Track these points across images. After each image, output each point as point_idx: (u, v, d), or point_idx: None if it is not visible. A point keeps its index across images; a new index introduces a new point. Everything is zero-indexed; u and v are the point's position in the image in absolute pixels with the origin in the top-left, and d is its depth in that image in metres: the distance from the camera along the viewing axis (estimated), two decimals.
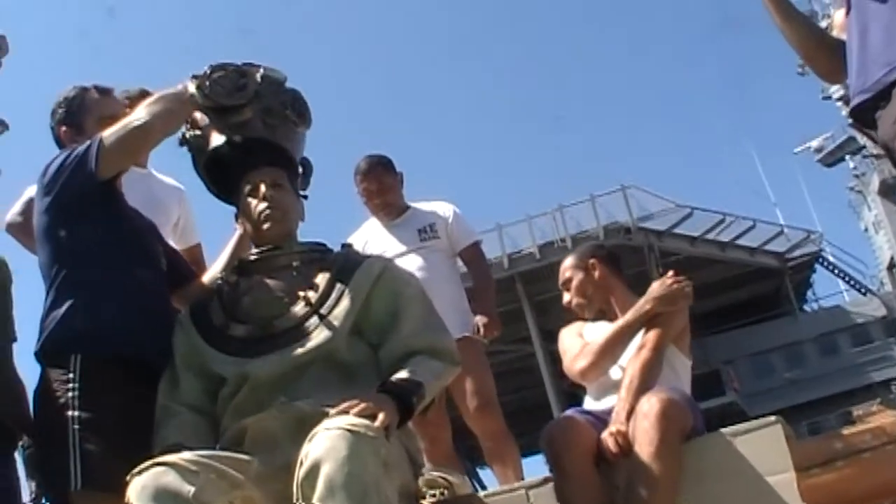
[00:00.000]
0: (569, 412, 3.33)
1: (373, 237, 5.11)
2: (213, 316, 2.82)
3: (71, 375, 2.79)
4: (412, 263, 4.88)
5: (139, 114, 2.90)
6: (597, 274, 3.68)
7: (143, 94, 4.62)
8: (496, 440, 4.87)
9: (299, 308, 2.75)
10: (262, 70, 2.96)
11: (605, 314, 3.64)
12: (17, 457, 3.27)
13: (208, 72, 2.89)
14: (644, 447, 2.91)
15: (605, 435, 3.05)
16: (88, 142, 2.92)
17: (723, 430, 3.03)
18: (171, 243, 4.21)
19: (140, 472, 2.33)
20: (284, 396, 2.58)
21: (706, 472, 2.97)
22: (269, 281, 2.84)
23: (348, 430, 2.22)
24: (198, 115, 3.01)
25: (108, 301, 2.85)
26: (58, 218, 2.92)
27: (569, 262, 3.75)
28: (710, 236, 29.37)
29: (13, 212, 4.18)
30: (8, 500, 3.15)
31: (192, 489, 2.29)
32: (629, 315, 3.43)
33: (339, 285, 2.79)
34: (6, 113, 3.51)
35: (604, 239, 27.78)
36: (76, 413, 2.75)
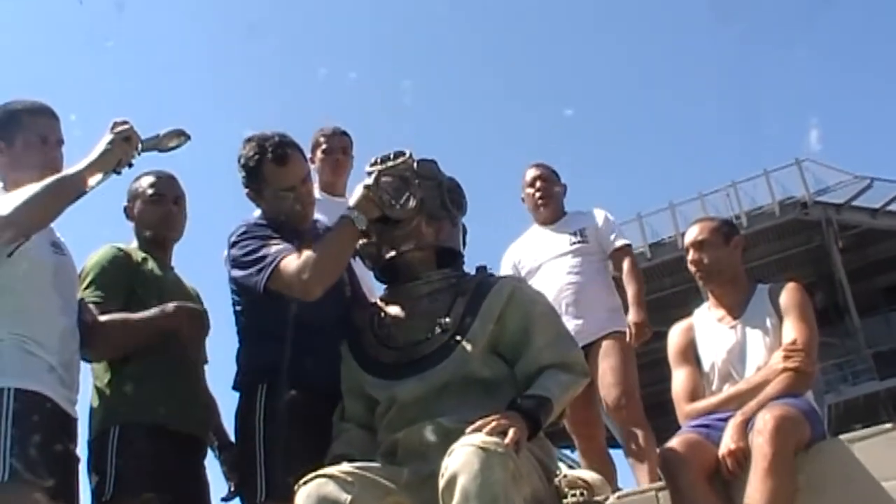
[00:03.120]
0: (685, 429, 3.39)
1: (530, 243, 5.44)
2: (367, 344, 3.17)
3: (258, 403, 3.22)
4: (564, 265, 5.22)
5: (311, 265, 3.04)
6: (737, 254, 3.78)
7: (336, 134, 5.03)
8: (634, 434, 4.95)
9: (438, 333, 3.06)
10: (417, 168, 3.17)
11: (720, 300, 3.72)
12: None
13: (374, 183, 3.12)
14: (758, 463, 2.98)
15: (722, 452, 3.14)
16: (266, 254, 3.12)
17: (840, 436, 3.18)
18: None
19: (305, 483, 2.73)
20: (429, 414, 2.91)
21: (824, 478, 3.06)
22: (411, 308, 3.15)
23: (481, 448, 2.53)
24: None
25: (287, 344, 3.18)
26: (239, 291, 3.32)
27: (710, 225, 3.82)
28: (893, 207, 28.22)
29: None
30: (201, 498, 3.63)
31: (348, 497, 2.67)
32: (743, 385, 3.44)
33: (473, 309, 3.08)
34: None
35: (779, 215, 27.15)
36: (261, 435, 3.18)
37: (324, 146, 5.09)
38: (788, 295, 3.58)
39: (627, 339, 5.02)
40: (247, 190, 3.37)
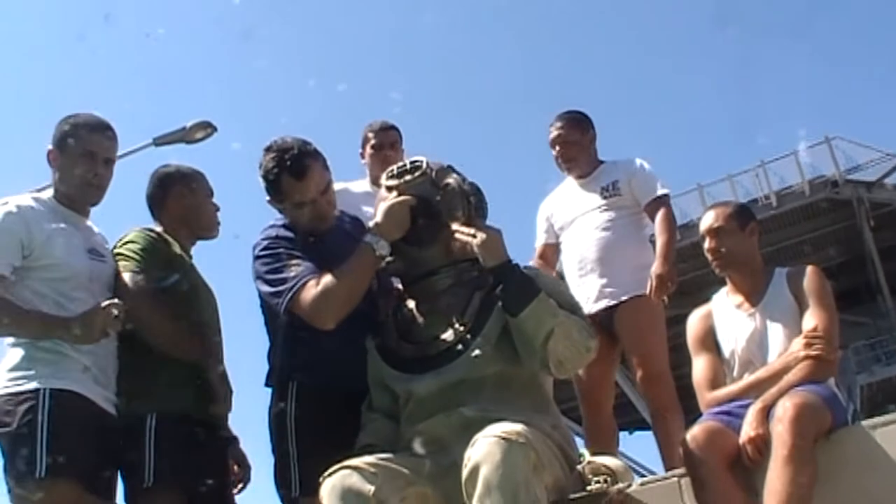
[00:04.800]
0: (706, 417, 3.39)
1: (563, 197, 5.26)
2: (389, 338, 3.21)
3: (289, 400, 3.31)
4: (594, 221, 5.04)
5: (333, 286, 3.10)
6: (753, 240, 3.74)
7: (384, 129, 5.08)
8: (661, 413, 4.81)
9: (455, 327, 3.08)
10: (435, 177, 3.17)
11: (738, 286, 3.69)
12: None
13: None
14: (778, 451, 2.98)
15: (742, 440, 3.14)
16: (287, 277, 3.17)
17: (862, 422, 3.18)
18: None
19: (330, 475, 2.79)
20: (448, 406, 2.96)
21: (846, 464, 3.06)
22: (431, 303, 3.18)
23: (502, 438, 2.59)
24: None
25: (315, 342, 3.23)
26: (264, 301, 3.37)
27: (725, 211, 3.77)
28: None
29: None
30: (228, 484, 3.76)
31: (371, 488, 2.72)
32: (763, 373, 3.42)
33: (489, 304, 3.08)
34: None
35: (809, 194, 26.87)
36: (293, 431, 3.27)
37: (373, 142, 5.10)
38: (808, 280, 3.53)
39: (652, 301, 4.79)
40: (268, 198, 3.38)
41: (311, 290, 3.11)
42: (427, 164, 3.21)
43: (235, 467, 3.86)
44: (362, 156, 5.17)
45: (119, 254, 3.59)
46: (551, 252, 5.25)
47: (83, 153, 3.49)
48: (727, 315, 3.70)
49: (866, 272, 27.45)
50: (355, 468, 2.77)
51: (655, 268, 4.79)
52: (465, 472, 2.61)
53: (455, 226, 3.09)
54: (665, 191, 5.13)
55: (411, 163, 3.24)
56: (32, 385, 3.19)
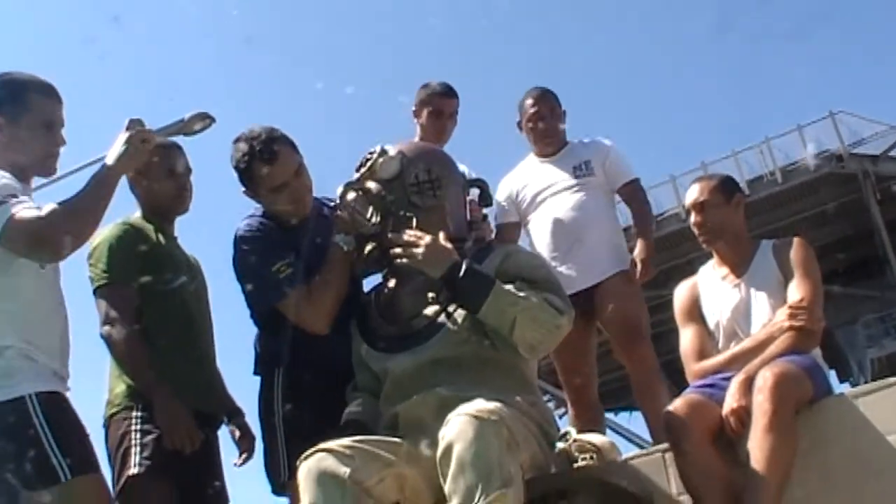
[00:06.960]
0: (689, 390, 3.37)
1: (529, 175, 5.14)
2: (371, 317, 3.21)
3: (276, 386, 3.34)
4: (567, 201, 4.94)
5: (320, 297, 3.21)
6: (739, 212, 3.73)
7: (444, 95, 4.93)
8: (644, 374, 4.75)
9: (432, 306, 3.07)
10: (378, 170, 3.16)
11: (724, 258, 3.68)
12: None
13: (339, 203, 3.22)
14: (758, 421, 2.99)
15: (725, 412, 3.14)
16: (268, 280, 3.22)
17: (845, 391, 3.16)
18: None
19: (306, 458, 2.77)
20: (424, 386, 2.93)
21: (829, 432, 3.07)
22: (411, 282, 3.16)
23: (475, 416, 2.56)
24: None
25: (300, 328, 3.23)
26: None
27: (710, 184, 3.74)
28: None
29: None
30: (218, 468, 3.73)
31: (347, 470, 2.70)
32: (748, 344, 3.41)
33: None
34: None
35: (814, 169, 26.78)
36: (280, 415, 3.30)
37: (430, 107, 4.92)
38: (794, 252, 3.51)
39: (631, 276, 4.82)
40: (243, 188, 3.38)
41: (301, 301, 3.19)
42: (370, 157, 3.21)
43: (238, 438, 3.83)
44: (416, 115, 4.97)
45: (91, 264, 3.56)
46: (513, 230, 5.16)
47: (44, 123, 3.18)
48: (712, 286, 3.68)
49: (874, 245, 27.35)
50: (331, 451, 2.75)
51: (640, 252, 4.84)
52: (439, 451, 2.59)
53: (393, 251, 3.09)
54: (637, 175, 5.13)
55: (363, 159, 3.24)
56: (18, 392, 3.07)
